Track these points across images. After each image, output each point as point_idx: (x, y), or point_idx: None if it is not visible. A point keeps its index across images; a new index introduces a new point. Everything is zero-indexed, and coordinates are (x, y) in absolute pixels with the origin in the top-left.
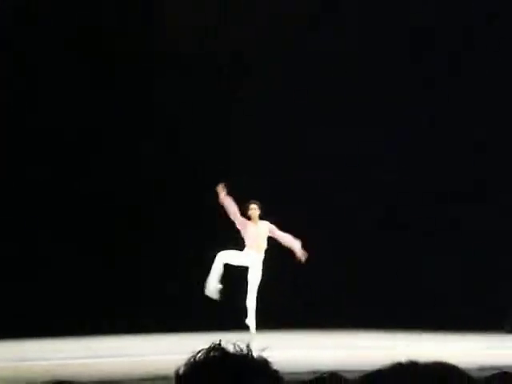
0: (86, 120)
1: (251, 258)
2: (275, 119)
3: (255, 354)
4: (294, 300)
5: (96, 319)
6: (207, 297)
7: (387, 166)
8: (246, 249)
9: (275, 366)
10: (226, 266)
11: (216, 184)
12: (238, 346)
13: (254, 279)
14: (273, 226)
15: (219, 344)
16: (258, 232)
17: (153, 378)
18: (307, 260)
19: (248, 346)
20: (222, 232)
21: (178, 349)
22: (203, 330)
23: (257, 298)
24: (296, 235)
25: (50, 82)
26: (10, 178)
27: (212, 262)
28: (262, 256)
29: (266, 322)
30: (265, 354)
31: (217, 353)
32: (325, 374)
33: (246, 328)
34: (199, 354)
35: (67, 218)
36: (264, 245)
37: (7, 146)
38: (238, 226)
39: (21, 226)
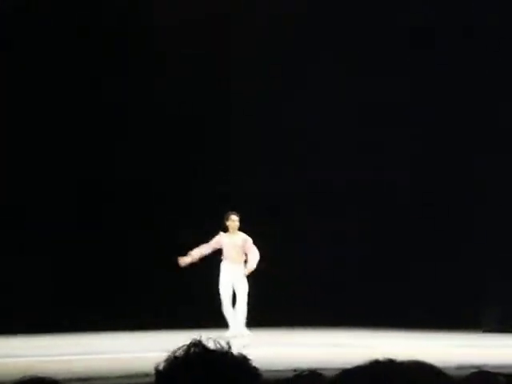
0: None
1: (232, 272)
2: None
3: (235, 350)
4: (275, 298)
5: (78, 316)
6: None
7: (387, 167)
8: (223, 262)
9: (255, 363)
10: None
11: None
12: (218, 342)
13: (240, 292)
14: (247, 240)
15: (199, 340)
16: (232, 244)
17: (134, 375)
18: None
19: (228, 343)
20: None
21: (161, 346)
22: (187, 327)
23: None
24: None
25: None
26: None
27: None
28: (241, 266)
29: (248, 321)
30: (244, 352)
31: (197, 349)
32: (305, 371)
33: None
34: (179, 351)
35: (46, 211)
36: (240, 256)
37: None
38: (216, 245)
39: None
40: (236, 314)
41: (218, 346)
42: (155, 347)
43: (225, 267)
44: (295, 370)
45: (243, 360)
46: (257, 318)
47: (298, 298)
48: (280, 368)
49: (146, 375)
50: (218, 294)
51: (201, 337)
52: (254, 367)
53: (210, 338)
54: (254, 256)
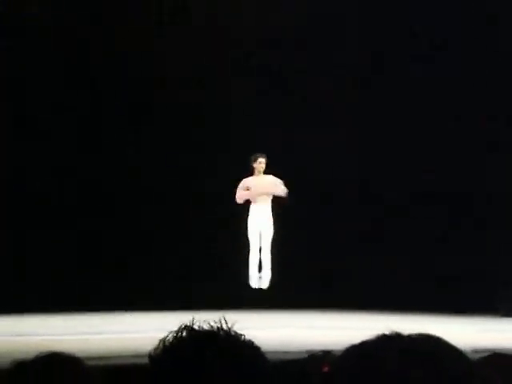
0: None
1: (260, 214)
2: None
3: (234, 332)
4: (285, 279)
5: (90, 295)
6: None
7: (387, 164)
8: (251, 206)
9: (268, 346)
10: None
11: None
12: (210, 323)
13: (266, 234)
14: (277, 180)
15: (187, 324)
16: (260, 184)
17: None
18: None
19: (221, 325)
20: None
21: (176, 325)
22: (197, 308)
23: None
24: None
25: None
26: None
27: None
28: (268, 207)
29: (259, 302)
30: (257, 334)
31: (185, 333)
32: (318, 352)
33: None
34: (169, 336)
35: (47, 195)
36: (268, 196)
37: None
38: (245, 189)
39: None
40: (262, 259)
41: (210, 327)
42: (170, 327)
43: (253, 210)
44: (308, 352)
45: (236, 336)
46: (270, 300)
47: (310, 280)
48: (294, 350)
49: None
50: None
51: (193, 320)
52: (253, 346)
53: (204, 321)
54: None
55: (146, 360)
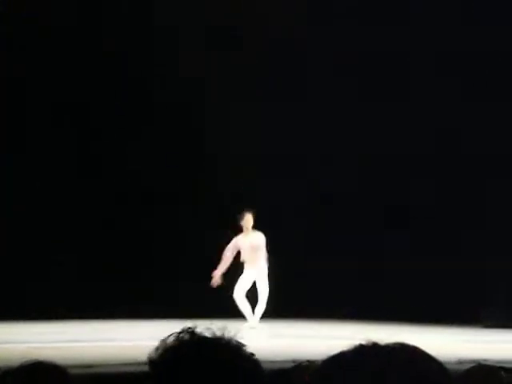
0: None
1: (253, 275)
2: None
3: (232, 338)
4: (281, 290)
5: (75, 304)
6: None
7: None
8: (245, 266)
9: (255, 353)
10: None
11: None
12: (211, 329)
13: (262, 290)
14: (262, 239)
15: (189, 327)
16: (248, 245)
17: (132, 363)
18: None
19: (222, 330)
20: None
21: (162, 334)
22: (184, 316)
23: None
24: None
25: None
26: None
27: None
28: (262, 267)
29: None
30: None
31: (187, 336)
32: (303, 362)
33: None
34: (170, 338)
35: (45, 204)
36: (258, 255)
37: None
38: (235, 251)
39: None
40: (256, 310)
41: (211, 332)
42: (153, 336)
43: (247, 271)
44: (294, 361)
45: (237, 346)
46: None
47: (300, 291)
48: (279, 359)
49: (146, 363)
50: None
51: (193, 325)
52: (250, 353)
53: (206, 326)
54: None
55: (130, 368)
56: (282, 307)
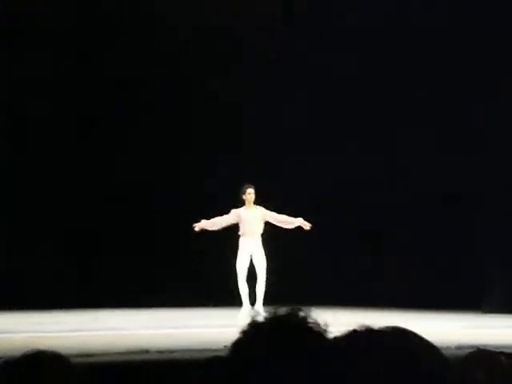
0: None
1: (250, 247)
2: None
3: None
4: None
5: (77, 292)
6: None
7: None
8: (240, 239)
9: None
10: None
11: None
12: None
13: (260, 265)
14: (267, 211)
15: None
16: (250, 217)
17: (135, 352)
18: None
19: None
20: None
21: (158, 323)
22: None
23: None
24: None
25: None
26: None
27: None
28: (258, 241)
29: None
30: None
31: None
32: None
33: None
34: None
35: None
36: (258, 229)
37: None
38: (232, 221)
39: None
40: (257, 291)
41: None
42: (153, 324)
43: (243, 242)
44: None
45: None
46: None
47: (298, 278)
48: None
49: (147, 351)
50: (235, 270)
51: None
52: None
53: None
54: (284, 217)
55: (131, 357)
56: (280, 294)
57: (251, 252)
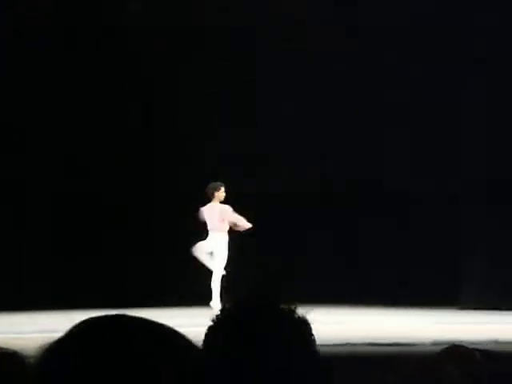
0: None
1: (213, 240)
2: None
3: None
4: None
5: (48, 294)
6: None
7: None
8: (209, 233)
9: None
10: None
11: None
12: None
13: (217, 260)
14: (227, 209)
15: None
16: (213, 212)
17: None
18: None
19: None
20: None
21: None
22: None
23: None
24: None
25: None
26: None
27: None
28: (222, 236)
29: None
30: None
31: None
32: None
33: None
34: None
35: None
36: (222, 225)
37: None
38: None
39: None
40: (212, 284)
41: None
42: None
43: (210, 236)
44: None
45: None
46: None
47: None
48: None
49: None
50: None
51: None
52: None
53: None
54: (240, 220)
55: None
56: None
57: (213, 245)
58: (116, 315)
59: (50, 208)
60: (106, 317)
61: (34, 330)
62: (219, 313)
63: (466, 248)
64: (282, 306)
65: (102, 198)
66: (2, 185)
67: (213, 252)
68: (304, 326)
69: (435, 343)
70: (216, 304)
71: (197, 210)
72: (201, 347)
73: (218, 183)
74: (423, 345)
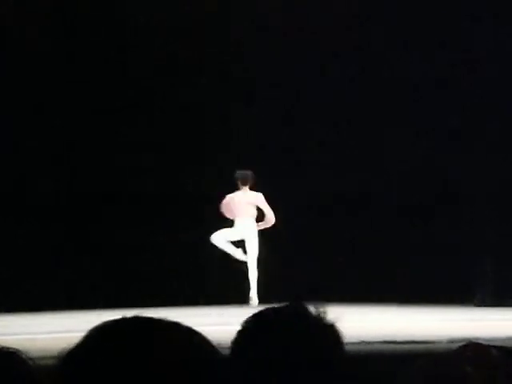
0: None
1: (242, 227)
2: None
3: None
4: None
5: (63, 294)
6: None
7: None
8: (236, 220)
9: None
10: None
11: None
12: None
13: (251, 249)
14: (261, 197)
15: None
16: (244, 199)
17: None
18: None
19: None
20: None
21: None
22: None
23: (260, 271)
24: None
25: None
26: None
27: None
28: (253, 222)
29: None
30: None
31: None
32: None
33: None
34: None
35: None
36: (251, 211)
37: None
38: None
39: None
40: (249, 275)
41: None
42: None
43: (237, 223)
44: None
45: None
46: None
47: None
48: None
49: None
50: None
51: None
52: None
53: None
54: (269, 213)
55: None
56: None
57: (244, 233)
58: (133, 317)
59: (52, 207)
60: (123, 319)
61: (40, 331)
62: (250, 317)
63: (482, 245)
64: (313, 313)
65: (118, 198)
66: (3, 185)
67: (244, 239)
68: (333, 332)
69: (452, 341)
70: (254, 296)
71: (220, 200)
72: (228, 349)
73: (248, 171)
74: (439, 342)
